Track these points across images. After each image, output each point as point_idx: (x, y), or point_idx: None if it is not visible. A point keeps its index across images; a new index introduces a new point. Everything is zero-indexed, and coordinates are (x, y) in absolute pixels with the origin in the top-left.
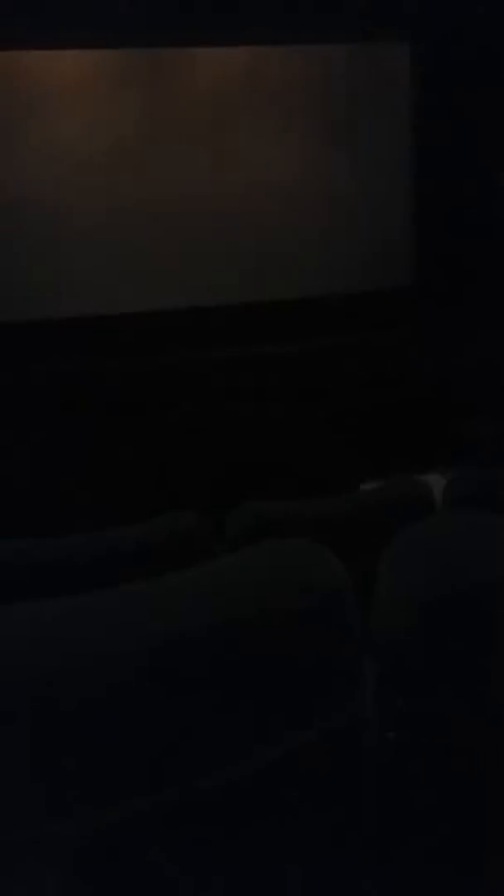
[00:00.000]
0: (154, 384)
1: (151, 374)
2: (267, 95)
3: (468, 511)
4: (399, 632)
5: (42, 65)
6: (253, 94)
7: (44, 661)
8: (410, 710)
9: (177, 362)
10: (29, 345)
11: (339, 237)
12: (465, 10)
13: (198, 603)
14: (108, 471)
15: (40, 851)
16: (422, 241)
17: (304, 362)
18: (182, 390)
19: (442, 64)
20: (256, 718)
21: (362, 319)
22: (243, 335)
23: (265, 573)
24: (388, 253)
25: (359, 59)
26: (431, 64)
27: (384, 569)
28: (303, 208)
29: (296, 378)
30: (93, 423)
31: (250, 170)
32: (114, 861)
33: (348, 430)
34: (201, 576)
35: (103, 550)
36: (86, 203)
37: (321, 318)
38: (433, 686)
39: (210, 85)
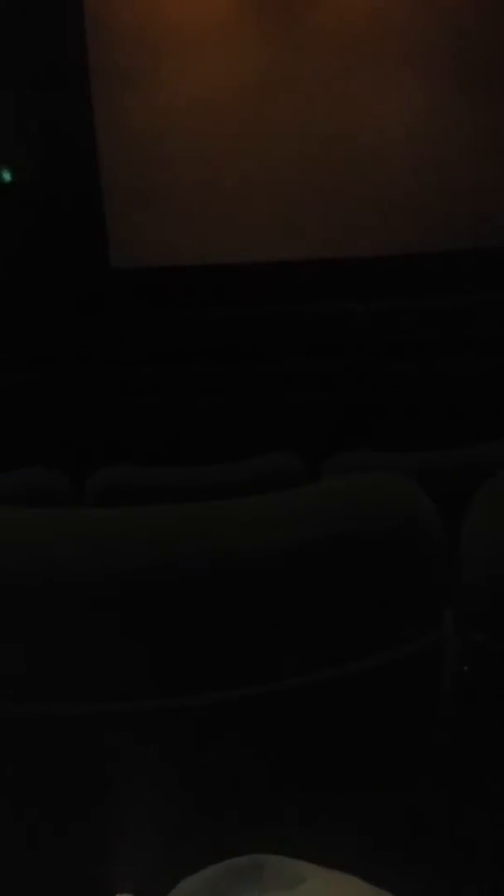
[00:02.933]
0: (277, 333)
1: (268, 323)
2: (404, 38)
3: None
4: (481, 574)
5: (175, 8)
6: (390, 36)
7: (149, 560)
8: (488, 646)
9: (289, 313)
10: (161, 290)
11: (467, 191)
12: None
13: (290, 520)
14: (229, 411)
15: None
16: None
17: (430, 318)
18: (301, 339)
19: None
20: (336, 634)
21: (483, 276)
22: (372, 288)
23: (355, 498)
24: None
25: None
26: None
27: (472, 512)
28: (437, 157)
29: (420, 333)
30: (218, 367)
31: (385, 115)
32: (203, 742)
33: (475, 389)
34: (295, 496)
35: (209, 481)
36: (218, 148)
37: (452, 273)
38: None
39: (350, 27)
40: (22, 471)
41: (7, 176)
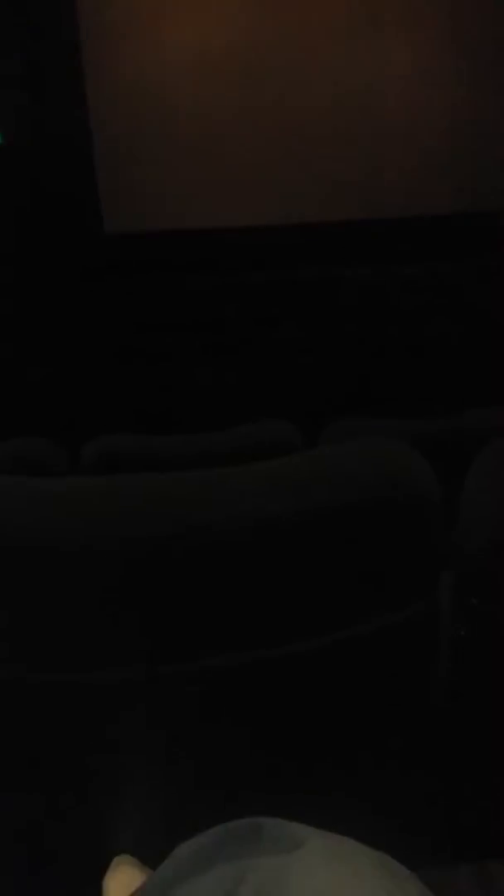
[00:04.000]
0: (267, 299)
1: (263, 289)
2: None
3: None
4: (479, 539)
5: None
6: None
7: (144, 528)
8: (483, 610)
9: (284, 279)
10: (155, 256)
11: (461, 153)
12: None
13: (288, 488)
14: (225, 379)
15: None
16: None
17: (417, 283)
18: (296, 306)
19: None
20: (334, 599)
21: (482, 241)
22: (355, 253)
23: (352, 464)
24: None
25: None
26: None
27: (471, 477)
28: (424, 121)
29: (410, 298)
30: (214, 334)
31: (381, 79)
32: (199, 705)
33: (461, 355)
34: (293, 463)
35: (204, 449)
36: (214, 108)
37: (439, 238)
38: None
39: None
40: (15, 440)
41: None
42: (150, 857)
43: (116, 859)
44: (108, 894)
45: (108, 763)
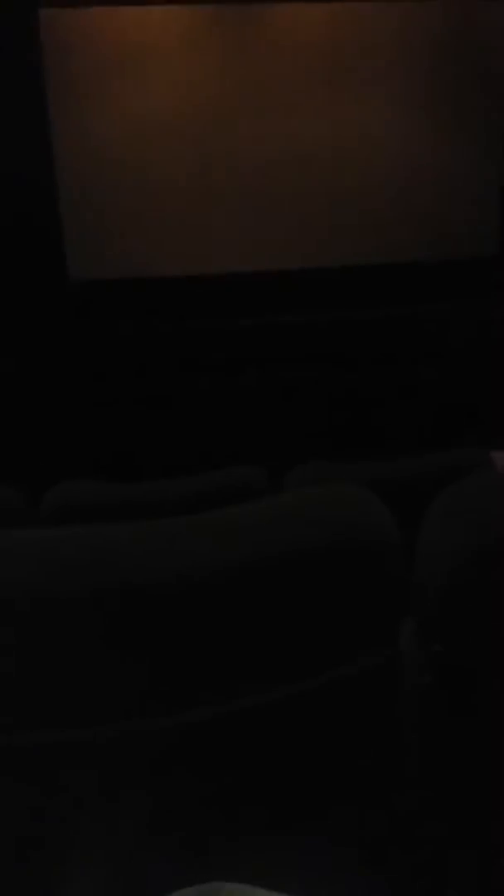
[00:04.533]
0: (236, 345)
1: (231, 335)
2: (355, 55)
3: None
4: (439, 581)
5: (129, 22)
6: (341, 52)
7: (108, 579)
8: (447, 655)
9: (246, 325)
10: (120, 303)
11: (424, 203)
12: None
13: (246, 536)
14: (189, 424)
15: (130, 745)
16: None
17: (382, 329)
18: (262, 353)
19: None
20: (297, 649)
21: (444, 288)
22: (321, 300)
23: (311, 510)
24: (475, 221)
25: (457, 18)
26: None
27: (428, 522)
28: (387, 172)
29: (374, 345)
30: (176, 381)
31: (336, 132)
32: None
33: (426, 400)
34: (251, 511)
35: (172, 496)
36: (173, 163)
37: (403, 285)
38: (469, 633)
39: (300, 43)
40: None
41: None
42: None
43: None
44: None
45: (68, 825)
